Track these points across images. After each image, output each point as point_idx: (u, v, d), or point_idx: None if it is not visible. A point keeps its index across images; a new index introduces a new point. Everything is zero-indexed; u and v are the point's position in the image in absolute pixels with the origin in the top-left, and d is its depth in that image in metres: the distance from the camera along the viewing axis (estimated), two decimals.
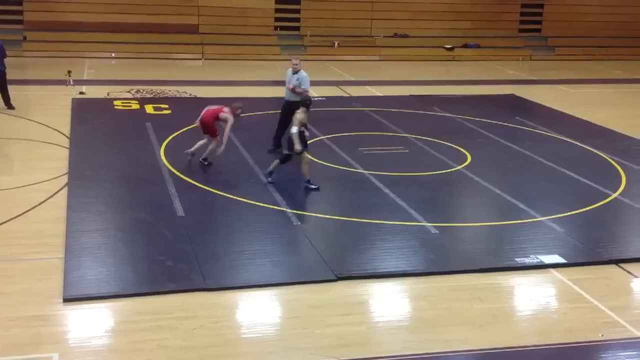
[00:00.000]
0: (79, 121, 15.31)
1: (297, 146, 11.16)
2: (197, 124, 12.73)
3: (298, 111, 11.32)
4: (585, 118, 17.68)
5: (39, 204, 10.44)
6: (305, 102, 11.53)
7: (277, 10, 27.33)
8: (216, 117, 12.33)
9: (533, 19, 29.97)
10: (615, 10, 29.93)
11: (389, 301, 8.10)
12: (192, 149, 12.55)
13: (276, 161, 11.65)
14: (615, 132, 16.32)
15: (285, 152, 11.55)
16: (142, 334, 7.07)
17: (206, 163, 12.54)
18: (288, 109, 12.87)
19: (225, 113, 12.28)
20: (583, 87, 22.81)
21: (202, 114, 12.54)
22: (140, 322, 7.30)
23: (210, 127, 12.41)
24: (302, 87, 13.13)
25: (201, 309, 7.58)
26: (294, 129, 11.16)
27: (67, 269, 8.28)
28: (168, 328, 7.18)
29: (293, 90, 13.16)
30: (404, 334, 7.35)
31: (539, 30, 30.12)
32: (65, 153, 13.01)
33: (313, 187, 11.48)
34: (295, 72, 13.30)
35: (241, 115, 12.60)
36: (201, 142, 12.54)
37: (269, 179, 11.59)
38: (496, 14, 29.15)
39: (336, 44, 27.09)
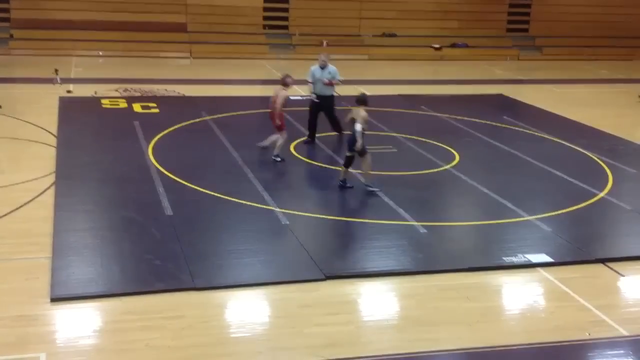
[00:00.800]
0: (66, 120, 15.22)
1: (359, 143, 10.99)
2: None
3: (361, 109, 11.11)
4: (572, 118, 17.78)
5: (26, 203, 10.37)
6: (365, 99, 11.36)
7: (265, 9, 27.31)
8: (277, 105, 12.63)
9: (521, 18, 30.11)
10: (601, 10, 30.12)
11: (377, 300, 8.11)
12: (265, 143, 12.97)
13: (342, 169, 11.45)
14: (602, 131, 16.43)
15: (348, 154, 11.33)
16: (130, 334, 7.04)
17: (279, 159, 12.70)
18: (322, 104, 14.05)
19: (279, 93, 12.66)
20: (570, 87, 22.94)
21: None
22: (128, 321, 7.27)
23: (278, 118, 12.68)
24: (337, 79, 14.09)
25: (189, 309, 7.56)
26: (358, 127, 11.00)
27: (55, 268, 8.23)
28: (156, 328, 7.15)
29: (330, 84, 13.99)
30: (393, 333, 7.37)
31: (526, 30, 30.27)
32: (52, 152, 12.94)
33: (373, 189, 11.19)
34: (324, 67, 13.96)
35: (289, 82, 12.89)
36: (273, 139, 12.91)
37: (348, 185, 11.41)
38: (484, 13, 29.26)
39: (324, 43, 27.06)
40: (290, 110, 17.20)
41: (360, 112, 11.12)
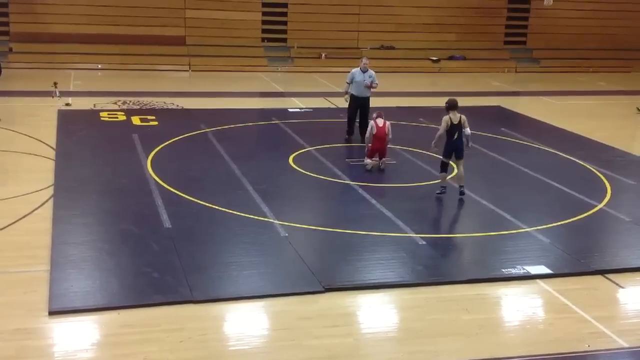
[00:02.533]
0: (65, 132, 15.24)
1: (471, 142, 11.83)
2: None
3: (456, 112, 11.55)
4: (570, 129, 17.82)
5: (24, 216, 10.36)
6: (456, 104, 11.68)
7: (264, 22, 27.41)
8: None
9: (518, 31, 30.23)
10: (598, 22, 30.27)
11: (376, 312, 8.09)
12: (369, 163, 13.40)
13: (442, 174, 11.80)
14: (600, 143, 16.46)
15: (444, 160, 11.80)
16: (129, 347, 7.02)
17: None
18: (361, 104, 15.32)
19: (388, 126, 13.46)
20: (567, 99, 23.01)
21: (376, 128, 13.26)
22: (126, 334, 7.25)
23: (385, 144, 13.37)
24: (375, 82, 15.30)
25: (188, 321, 7.54)
26: (468, 131, 11.65)
27: (53, 281, 8.22)
28: (155, 341, 7.13)
29: (370, 86, 15.20)
30: (392, 345, 7.35)
31: (524, 43, 30.37)
32: (50, 165, 12.94)
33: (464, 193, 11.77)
34: (365, 70, 15.18)
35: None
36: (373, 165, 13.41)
37: (445, 191, 11.81)
38: (482, 26, 29.37)
39: (323, 55, 27.19)
40: (289, 122, 17.27)
41: (462, 116, 11.55)
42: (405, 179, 12.91)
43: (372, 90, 15.36)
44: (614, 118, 20.22)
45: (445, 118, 11.54)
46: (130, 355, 6.86)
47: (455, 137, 11.57)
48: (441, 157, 11.86)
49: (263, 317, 7.89)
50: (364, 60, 15.35)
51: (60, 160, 13.18)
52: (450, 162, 11.95)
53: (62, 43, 24.95)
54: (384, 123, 13.42)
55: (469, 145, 11.85)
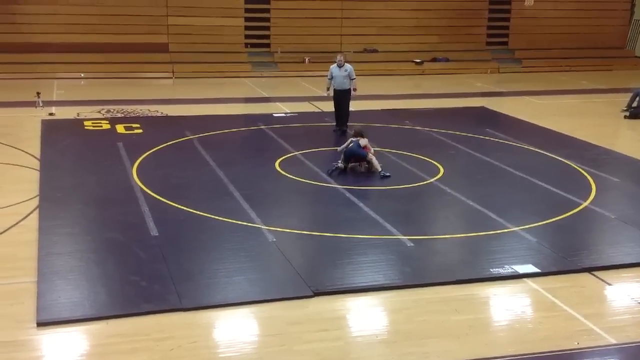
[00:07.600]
0: (48, 142, 15.15)
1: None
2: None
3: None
4: (553, 128, 17.93)
5: (10, 228, 10.28)
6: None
7: (246, 28, 27.40)
8: None
9: (500, 32, 30.41)
10: (578, 22, 30.51)
11: (366, 315, 8.10)
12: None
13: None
14: (583, 141, 16.57)
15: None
16: (118, 357, 6.98)
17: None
18: (340, 96, 16.57)
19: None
20: (550, 98, 23.16)
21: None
22: (115, 344, 7.21)
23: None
24: (353, 76, 16.42)
25: (178, 330, 7.51)
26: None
27: (40, 292, 8.16)
28: (144, 350, 7.09)
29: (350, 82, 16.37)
30: (382, 348, 7.35)
31: (505, 43, 30.55)
32: (35, 175, 12.85)
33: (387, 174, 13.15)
34: (341, 65, 16.41)
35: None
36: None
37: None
38: (464, 27, 29.51)
39: (307, 59, 27.21)
40: (275, 127, 17.27)
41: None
42: (392, 182, 12.93)
43: (353, 91, 16.57)
44: (597, 116, 20.37)
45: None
46: None
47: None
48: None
49: (252, 323, 7.87)
50: (339, 57, 16.50)
51: (44, 170, 13.10)
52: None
53: (44, 53, 24.79)
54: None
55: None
